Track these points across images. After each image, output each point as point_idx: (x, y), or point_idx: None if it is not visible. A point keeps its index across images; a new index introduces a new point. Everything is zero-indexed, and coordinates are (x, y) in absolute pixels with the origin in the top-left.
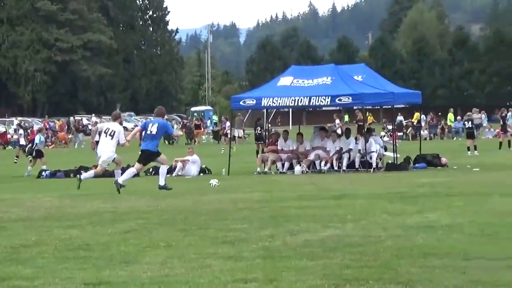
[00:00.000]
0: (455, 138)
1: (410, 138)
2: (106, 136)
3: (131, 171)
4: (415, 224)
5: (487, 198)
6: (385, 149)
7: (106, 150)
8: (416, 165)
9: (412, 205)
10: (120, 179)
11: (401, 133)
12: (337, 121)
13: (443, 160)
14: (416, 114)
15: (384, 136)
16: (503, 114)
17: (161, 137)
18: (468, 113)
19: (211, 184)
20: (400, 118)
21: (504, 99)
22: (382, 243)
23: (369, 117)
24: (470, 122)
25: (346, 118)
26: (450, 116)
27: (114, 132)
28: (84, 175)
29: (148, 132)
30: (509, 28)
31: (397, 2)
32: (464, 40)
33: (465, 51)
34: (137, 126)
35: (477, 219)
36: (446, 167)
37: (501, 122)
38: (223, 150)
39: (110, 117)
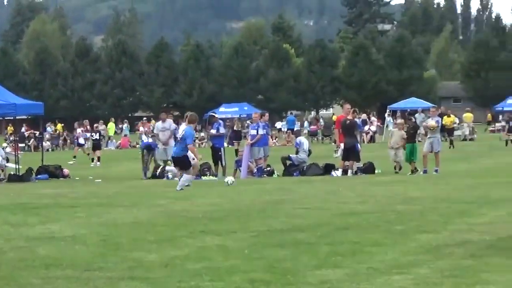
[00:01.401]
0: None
1: (33, 149)
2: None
3: (188, 178)
4: (38, 235)
5: (110, 209)
6: (7, 160)
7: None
8: (39, 176)
9: (34, 216)
10: (178, 186)
11: (23, 144)
12: None
13: (66, 171)
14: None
15: (6, 147)
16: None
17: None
18: (96, 125)
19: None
20: (26, 128)
21: (126, 110)
22: (4, 254)
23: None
24: (97, 134)
25: None
26: (111, 125)
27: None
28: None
29: (177, 136)
30: (130, 39)
31: (19, 13)
32: (87, 51)
33: (88, 62)
34: None
35: (100, 230)
36: (69, 178)
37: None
38: None
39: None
